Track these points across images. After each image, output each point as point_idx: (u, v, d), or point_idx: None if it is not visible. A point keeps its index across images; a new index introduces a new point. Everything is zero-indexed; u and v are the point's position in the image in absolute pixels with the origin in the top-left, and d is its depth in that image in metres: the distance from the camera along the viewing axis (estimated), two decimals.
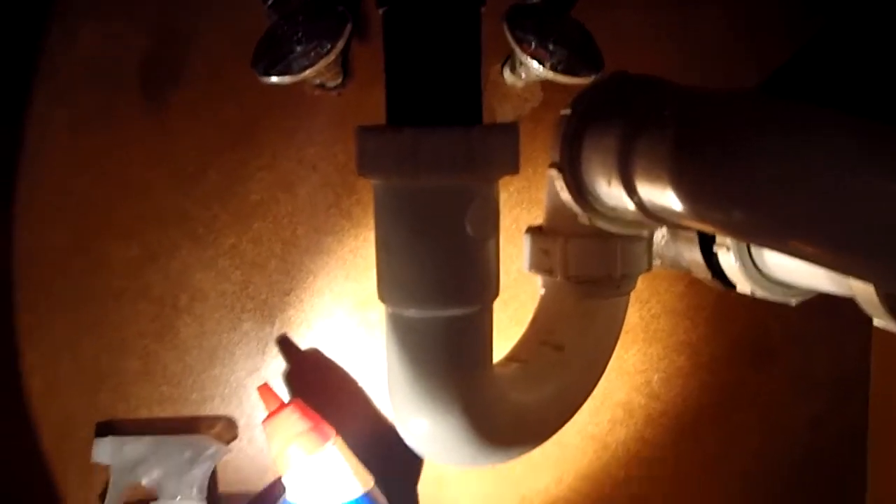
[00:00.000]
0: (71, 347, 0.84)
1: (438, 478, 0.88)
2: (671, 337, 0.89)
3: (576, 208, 0.50)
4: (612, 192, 0.45)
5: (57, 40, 0.81)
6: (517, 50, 0.66)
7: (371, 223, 0.83)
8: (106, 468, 0.83)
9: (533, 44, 0.66)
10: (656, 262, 0.79)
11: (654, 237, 0.76)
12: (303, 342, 0.86)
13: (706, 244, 0.67)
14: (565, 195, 0.49)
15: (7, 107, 0.81)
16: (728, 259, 0.63)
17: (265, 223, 0.84)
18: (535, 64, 0.66)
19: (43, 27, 0.80)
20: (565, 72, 0.66)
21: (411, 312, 0.47)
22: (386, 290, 0.48)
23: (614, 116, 0.45)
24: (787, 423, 0.89)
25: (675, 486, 0.90)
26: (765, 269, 0.62)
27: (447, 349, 0.48)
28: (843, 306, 0.87)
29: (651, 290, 0.88)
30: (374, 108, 0.82)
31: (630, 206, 0.43)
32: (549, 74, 0.67)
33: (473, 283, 0.47)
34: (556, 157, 0.49)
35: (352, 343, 0.85)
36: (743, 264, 0.62)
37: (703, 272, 0.69)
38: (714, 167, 0.35)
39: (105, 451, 0.82)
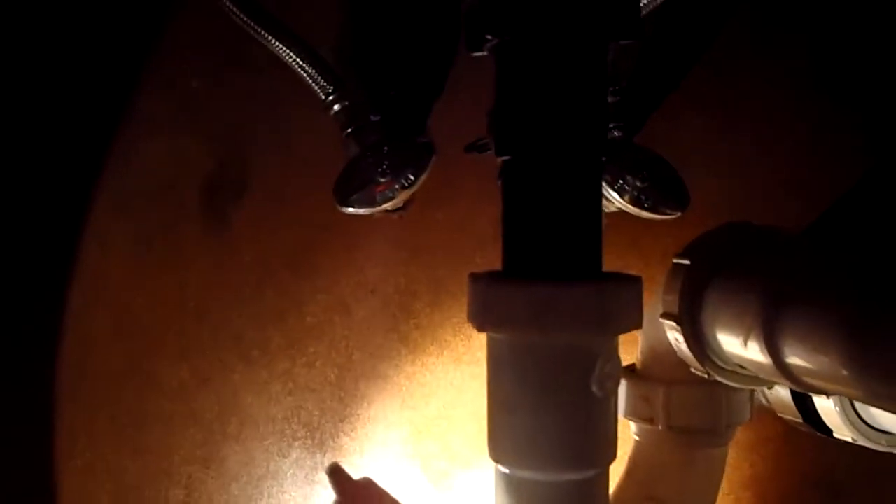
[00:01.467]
0: (113, 475, 0.80)
1: None
2: (737, 471, 0.85)
3: (692, 361, 0.48)
4: (746, 353, 0.43)
5: (122, 154, 0.80)
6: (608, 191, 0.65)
7: (430, 349, 0.82)
8: None
9: (615, 175, 0.66)
10: None
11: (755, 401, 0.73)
12: (355, 472, 0.82)
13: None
14: (684, 347, 0.47)
15: (68, 219, 0.79)
16: (825, 404, 0.61)
17: (320, 347, 0.82)
18: (616, 196, 0.66)
19: (109, 140, 0.80)
20: (650, 208, 0.65)
21: (527, 475, 0.45)
22: (500, 449, 0.46)
23: (749, 273, 0.43)
24: None
25: None
26: (867, 417, 0.60)
27: None
28: None
29: None
30: (436, 232, 0.82)
31: (770, 367, 0.41)
32: (630, 209, 0.66)
33: (595, 445, 0.45)
34: (674, 309, 0.47)
35: (408, 474, 0.82)
36: (843, 411, 0.60)
37: (790, 413, 0.66)
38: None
39: None
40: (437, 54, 0.74)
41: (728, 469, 0.85)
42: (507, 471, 0.46)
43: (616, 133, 0.68)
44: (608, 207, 0.72)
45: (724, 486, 0.84)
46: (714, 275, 0.46)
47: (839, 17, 0.81)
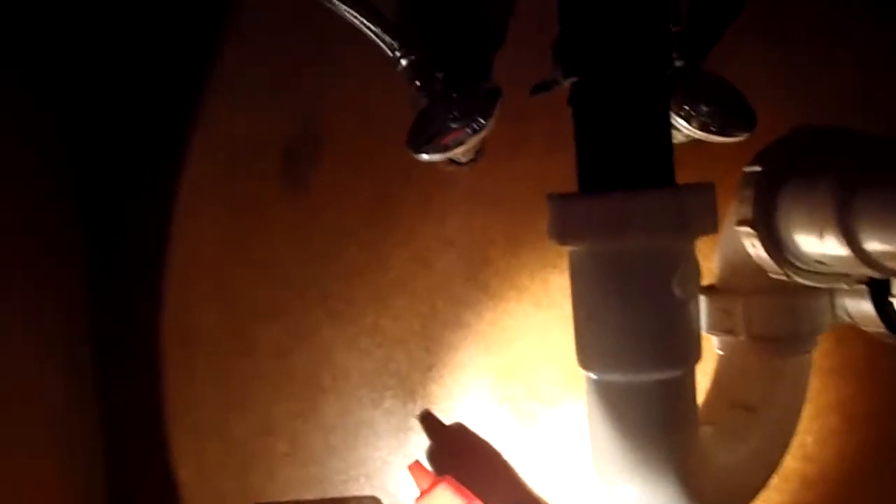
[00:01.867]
0: (220, 430, 0.85)
1: None
2: (821, 396, 0.86)
3: (771, 265, 0.49)
4: (825, 246, 0.44)
5: (207, 126, 0.85)
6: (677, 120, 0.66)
7: (508, 295, 0.85)
8: None
9: (681, 103, 0.67)
10: None
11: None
12: (446, 418, 0.85)
13: (880, 295, 0.65)
14: (759, 252, 0.49)
15: (164, 190, 0.84)
16: None
17: (404, 299, 0.85)
18: (683, 124, 0.67)
19: (194, 113, 0.85)
20: (718, 131, 0.66)
21: (618, 378, 0.47)
22: (589, 357, 0.48)
23: (819, 169, 0.44)
24: None
25: None
26: None
27: (657, 412, 0.47)
28: None
29: None
30: (508, 182, 0.84)
31: (847, 255, 0.43)
32: (699, 134, 0.67)
33: (680, 345, 0.47)
34: (748, 215, 0.49)
35: (496, 418, 0.85)
36: None
37: (874, 325, 0.66)
38: None
39: None
40: (496, 5, 0.77)
41: (813, 394, 0.85)
42: (595, 377, 0.48)
43: (679, 63, 0.69)
44: (676, 137, 0.73)
45: (811, 410, 0.85)
46: (786, 176, 0.47)
47: None
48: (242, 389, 0.85)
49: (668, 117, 0.47)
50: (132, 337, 0.86)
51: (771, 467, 0.55)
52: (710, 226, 0.46)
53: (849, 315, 0.70)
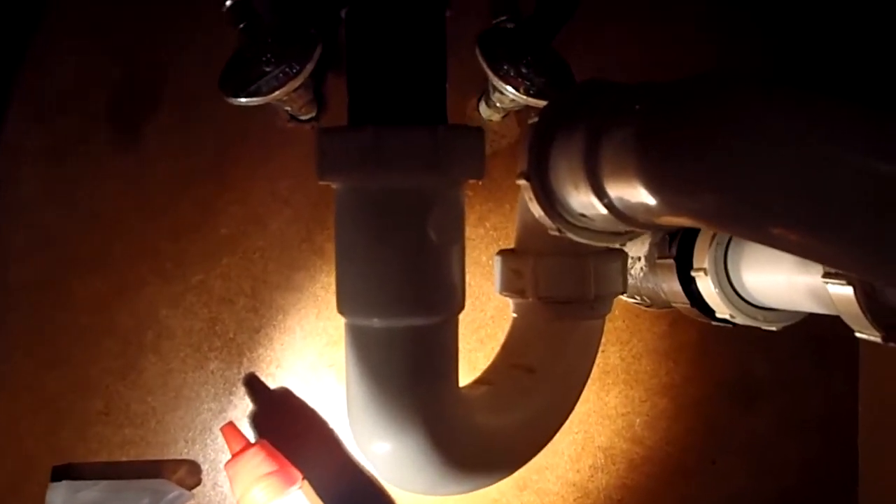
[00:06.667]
0: (31, 386, 0.81)
1: None
2: (653, 378, 0.86)
3: (545, 220, 0.48)
4: (580, 197, 0.43)
5: (32, 69, 0.80)
6: (490, 74, 0.65)
7: None
8: None
9: (506, 68, 0.66)
10: (636, 300, 0.77)
11: (633, 271, 0.74)
12: (272, 382, 0.83)
13: (684, 271, 0.65)
14: (534, 206, 0.48)
15: None
16: (706, 284, 0.62)
17: (234, 258, 0.82)
18: (509, 89, 0.66)
19: (21, 56, 0.80)
20: (538, 96, 0.65)
21: (372, 322, 0.45)
22: (346, 300, 0.46)
23: (580, 119, 0.43)
24: (773, 466, 0.86)
25: None
26: (744, 293, 0.60)
27: (409, 360, 0.45)
28: (829, 347, 0.86)
29: (632, 330, 0.86)
30: None
31: (601, 209, 0.42)
32: (523, 98, 0.66)
33: (437, 291, 0.45)
34: (524, 166, 0.47)
35: (323, 383, 0.82)
36: (721, 289, 0.60)
37: (681, 300, 0.67)
38: (679, 150, 0.34)
39: (59, 496, 0.78)
40: None
41: (644, 376, 0.86)
42: (351, 321, 0.46)
43: (509, 25, 0.68)
44: (503, 101, 0.72)
45: (641, 393, 0.86)
46: (557, 128, 0.46)
47: None
48: (57, 344, 0.81)
49: (440, 53, 0.45)
50: None
51: (545, 434, 0.54)
52: (473, 170, 0.45)
53: (663, 292, 0.70)
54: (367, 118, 0.44)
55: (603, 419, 0.85)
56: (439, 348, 0.46)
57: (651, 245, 0.70)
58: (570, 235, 0.48)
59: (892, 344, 0.43)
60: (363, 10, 0.44)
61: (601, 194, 0.42)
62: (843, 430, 0.87)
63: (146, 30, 0.81)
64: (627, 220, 0.42)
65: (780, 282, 0.55)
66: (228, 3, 0.66)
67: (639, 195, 0.37)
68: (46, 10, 0.81)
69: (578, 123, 0.43)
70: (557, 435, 0.60)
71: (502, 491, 0.85)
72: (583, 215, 0.46)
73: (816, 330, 0.82)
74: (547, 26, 0.66)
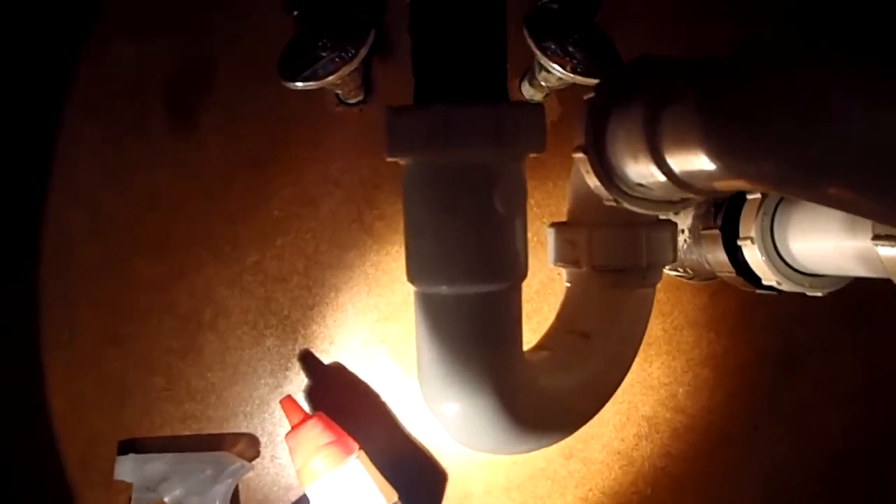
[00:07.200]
0: (96, 364, 0.84)
1: (463, 496, 0.87)
2: (695, 349, 0.88)
3: (602, 190, 0.50)
4: (639, 168, 0.45)
5: (91, 57, 0.83)
6: (537, 54, 0.67)
7: (394, 239, 0.85)
8: (128, 486, 0.82)
9: (553, 47, 0.68)
10: (678, 272, 0.79)
11: (677, 242, 0.76)
12: (326, 358, 0.86)
13: (730, 240, 0.67)
14: (591, 178, 0.50)
15: (41, 120, 0.83)
16: (753, 253, 0.64)
17: (288, 239, 0.85)
18: (556, 67, 0.68)
19: (78, 44, 0.83)
20: (585, 74, 0.67)
21: (441, 290, 0.48)
22: (415, 269, 0.49)
23: (637, 93, 0.45)
24: (816, 433, 0.88)
25: (703, 501, 0.89)
26: (790, 260, 0.62)
27: (477, 326, 0.48)
28: (870, 312, 0.88)
29: (673, 303, 0.88)
30: None
31: (660, 177, 0.44)
32: (570, 77, 0.68)
33: (502, 259, 0.48)
34: (581, 140, 0.50)
35: (375, 358, 0.85)
36: (768, 256, 0.62)
37: (727, 269, 0.69)
38: (740, 118, 0.36)
39: (127, 469, 0.82)
40: None
41: (686, 347, 0.88)
42: (421, 290, 0.49)
43: (553, 6, 0.70)
44: (549, 80, 0.74)
45: (683, 363, 0.88)
46: (614, 102, 0.48)
47: None
48: (120, 324, 0.85)
49: (503, 32, 0.47)
50: (10, 268, 0.84)
51: (601, 396, 0.56)
52: (535, 144, 0.47)
53: (708, 262, 0.72)
54: (434, 97, 0.47)
55: (646, 389, 0.88)
56: (505, 314, 0.49)
57: (695, 217, 0.72)
58: (626, 205, 0.50)
59: None
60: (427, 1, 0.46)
61: (661, 163, 0.44)
62: (886, 396, 0.89)
63: (200, 20, 0.84)
64: (686, 187, 0.44)
65: (827, 247, 0.57)
66: None
67: (700, 162, 0.39)
68: (104, 3, 0.84)
69: (635, 97, 0.45)
70: None
71: (549, 459, 0.87)
72: (640, 185, 0.48)
73: (854, 298, 0.84)
74: (590, 3, 0.68)
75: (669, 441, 0.88)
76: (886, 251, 0.47)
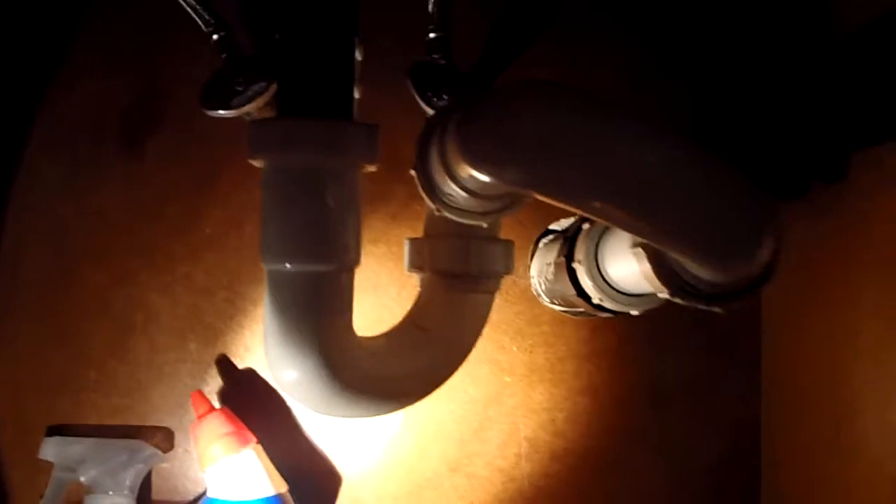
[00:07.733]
0: (36, 357, 0.95)
1: (355, 501, 0.95)
2: (576, 379, 0.97)
3: (429, 202, 0.61)
4: (445, 181, 0.56)
5: (56, 98, 0.97)
6: (420, 102, 0.80)
7: None
8: (50, 466, 0.91)
9: (433, 98, 0.80)
10: (558, 305, 0.90)
11: (545, 274, 0.87)
12: (241, 363, 0.96)
13: (570, 265, 0.77)
14: (421, 192, 0.61)
15: (6, 152, 0.96)
16: (582, 273, 0.74)
17: (216, 255, 0.96)
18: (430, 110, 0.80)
19: (45, 86, 0.97)
20: None
21: (284, 267, 0.59)
22: (265, 250, 0.60)
23: (441, 119, 0.57)
24: (687, 466, 0.96)
25: None
26: (610, 280, 0.72)
27: (311, 299, 0.58)
28: (731, 351, 0.97)
29: (558, 335, 0.97)
30: None
31: (456, 189, 0.55)
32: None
33: (334, 245, 0.59)
34: (414, 159, 0.61)
35: None
36: (592, 277, 0.73)
37: (570, 291, 0.79)
38: (484, 132, 0.47)
39: (51, 450, 0.91)
40: None
41: (567, 376, 0.98)
42: (269, 267, 0.60)
43: (442, 61, 0.82)
44: None
45: (564, 391, 0.97)
46: (440, 122, 0.59)
47: None
48: (62, 324, 0.95)
49: (349, 67, 0.60)
50: None
51: (430, 384, 0.66)
52: (364, 156, 0.59)
53: (562, 290, 0.83)
54: (288, 113, 0.59)
55: (529, 412, 0.97)
56: (334, 291, 0.60)
57: (559, 249, 0.83)
58: (447, 214, 0.62)
59: (677, 300, 0.55)
60: (288, 36, 0.59)
61: (453, 177, 0.55)
62: (748, 432, 0.97)
63: (153, 63, 0.98)
64: (475, 195, 0.56)
65: (630, 268, 0.67)
66: (215, 37, 0.82)
67: (468, 171, 0.51)
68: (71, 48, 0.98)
69: (440, 122, 0.57)
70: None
71: (436, 472, 0.96)
72: (450, 195, 0.60)
73: (721, 334, 0.94)
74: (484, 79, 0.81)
75: (548, 462, 0.97)
76: (641, 259, 0.57)
